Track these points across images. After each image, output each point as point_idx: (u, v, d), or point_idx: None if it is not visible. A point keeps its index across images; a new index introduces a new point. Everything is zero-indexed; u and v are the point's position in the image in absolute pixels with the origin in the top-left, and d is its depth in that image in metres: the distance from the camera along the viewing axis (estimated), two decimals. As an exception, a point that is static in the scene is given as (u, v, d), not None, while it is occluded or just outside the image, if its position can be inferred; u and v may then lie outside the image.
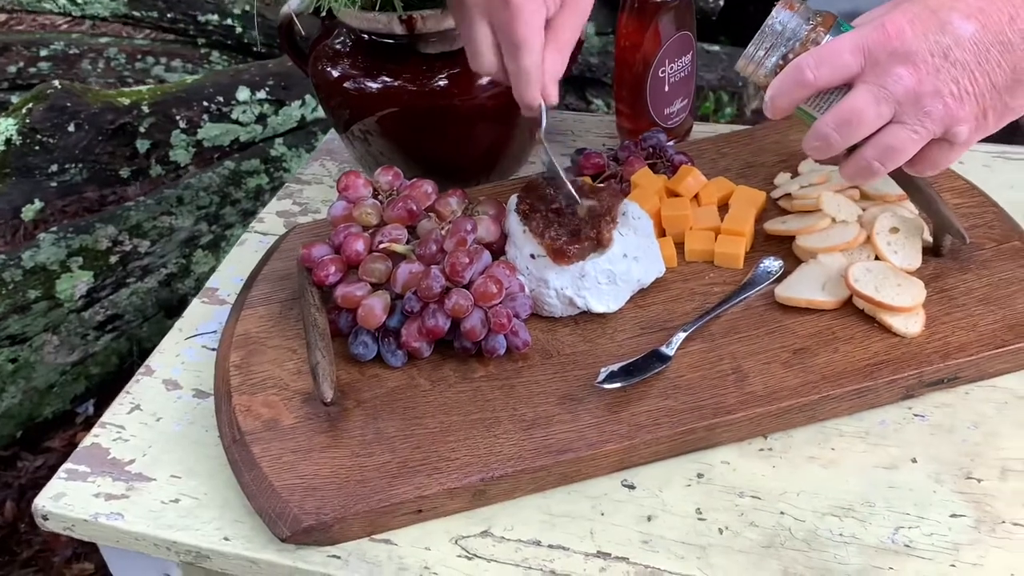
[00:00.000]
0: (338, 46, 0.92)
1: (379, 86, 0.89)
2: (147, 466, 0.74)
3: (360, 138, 0.94)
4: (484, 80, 0.88)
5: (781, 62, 0.70)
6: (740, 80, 2.47)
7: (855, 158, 0.70)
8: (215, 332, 0.84)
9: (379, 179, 0.81)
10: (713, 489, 0.68)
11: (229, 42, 2.28)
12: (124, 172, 1.70)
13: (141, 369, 0.83)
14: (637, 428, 0.70)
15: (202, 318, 0.87)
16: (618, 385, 0.71)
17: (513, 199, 0.81)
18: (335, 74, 0.91)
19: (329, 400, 0.70)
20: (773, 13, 0.70)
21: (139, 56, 2.29)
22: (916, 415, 0.72)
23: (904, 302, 0.74)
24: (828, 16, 0.70)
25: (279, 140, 1.94)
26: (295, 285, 0.82)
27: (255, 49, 2.28)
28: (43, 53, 2.27)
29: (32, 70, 2.24)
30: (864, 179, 0.71)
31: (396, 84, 0.89)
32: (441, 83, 0.88)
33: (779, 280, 0.79)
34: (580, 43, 0.95)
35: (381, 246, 0.76)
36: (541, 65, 0.73)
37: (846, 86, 0.68)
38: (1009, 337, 0.73)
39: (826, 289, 0.77)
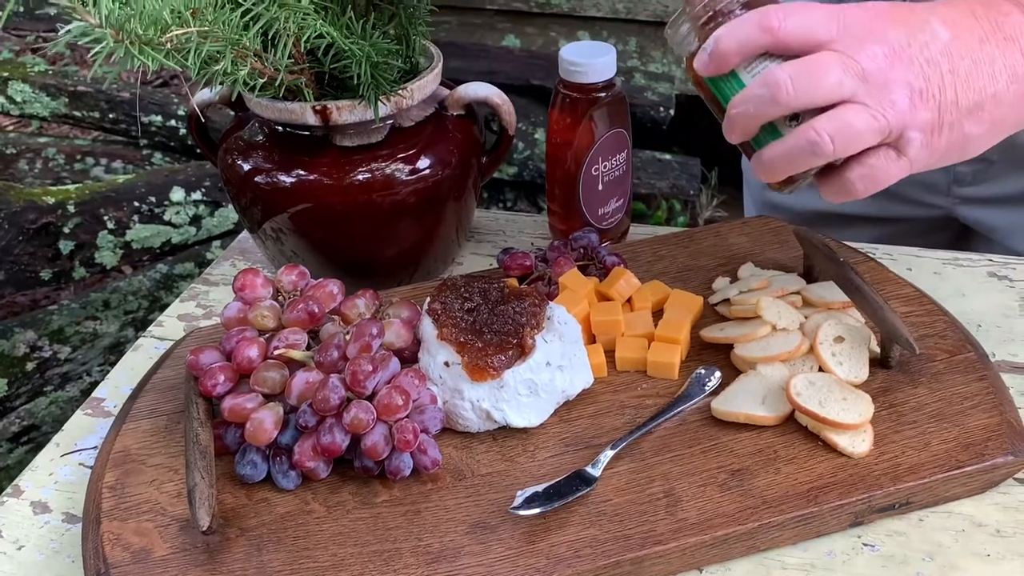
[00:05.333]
0: (250, 138, 0.87)
1: (292, 180, 0.83)
2: (-1, 603, 0.65)
3: (272, 237, 0.87)
4: (405, 175, 0.83)
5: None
6: (692, 189, 2.46)
7: (802, 130, 0.61)
8: (95, 448, 0.75)
9: (282, 278, 0.74)
10: (641, 632, 0.60)
11: (172, 144, 2.23)
12: (45, 274, 1.62)
13: (8, 490, 0.74)
14: (556, 561, 0.62)
15: (83, 432, 0.78)
16: (536, 511, 0.63)
17: (427, 301, 0.74)
18: (245, 168, 0.85)
19: (206, 528, 0.61)
20: None
21: (78, 156, 2.23)
22: (866, 544, 0.65)
23: (851, 418, 0.68)
24: None
25: (216, 243, 1.87)
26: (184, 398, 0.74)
27: (199, 151, 2.23)
28: (-21, 152, 2.20)
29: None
30: (807, 158, 0.62)
31: (311, 179, 0.83)
32: (359, 178, 0.82)
33: (716, 392, 0.73)
34: (509, 139, 0.91)
35: (277, 352, 0.69)
36: None
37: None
38: (964, 458, 0.67)
39: (766, 403, 0.71)
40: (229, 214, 1.82)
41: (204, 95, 0.87)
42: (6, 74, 2.19)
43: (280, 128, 0.84)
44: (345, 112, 0.80)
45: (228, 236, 1.87)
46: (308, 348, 0.70)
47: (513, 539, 0.63)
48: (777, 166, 0.64)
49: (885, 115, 0.61)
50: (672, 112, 2.42)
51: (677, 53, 0.67)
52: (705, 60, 0.64)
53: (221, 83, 0.69)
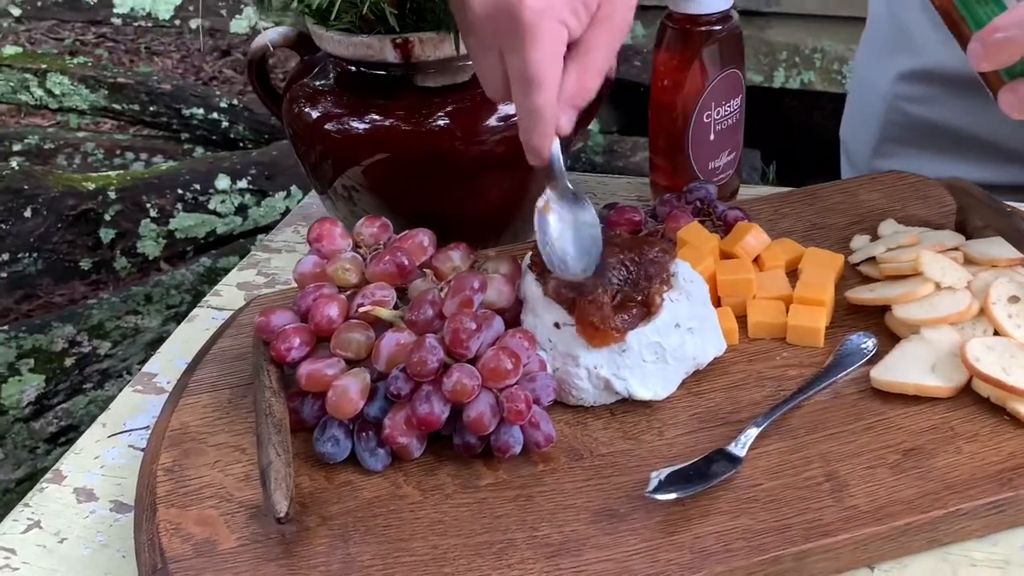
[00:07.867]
0: (319, 83, 0.77)
1: (367, 127, 0.73)
2: (38, 605, 0.55)
3: (344, 196, 0.77)
4: (494, 119, 0.73)
5: None
6: (752, 182, 2.34)
7: None
8: (147, 428, 0.66)
9: (362, 231, 0.64)
10: (812, 642, 0.49)
11: (214, 137, 2.16)
12: (85, 264, 1.53)
13: (48, 475, 0.64)
14: (704, 556, 0.51)
15: (133, 411, 0.68)
16: (674, 496, 0.53)
17: (528, 256, 0.64)
18: (314, 115, 0.75)
19: (284, 515, 0.51)
20: None
21: (118, 151, 2.16)
22: (1072, 539, 0.54)
23: (1044, 387, 0.57)
24: None
25: (262, 236, 1.78)
26: (251, 367, 0.64)
27: (241, 145, 2.15)
28: (16, 148, 2.14)
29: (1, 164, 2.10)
30: None
31: (387, 124, 0.73)
32: (441, 122, 0.72)
33: (873, 361, 0.62)
34: (609, 81, 0.80)
35: (361, 310, 0.59)
36: (555, 105, 0.58)
37: None
38: None
39: (937, 371, 0.60)
40: (276, 204, 1.74)
41: (268, 36, 0.77)
42: (44, 66, 2.13)
43: (353, 68, 0.74)
44: (429, 47, 0.70)
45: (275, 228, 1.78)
46: (396, 306, 0.60)
47: (648, 529, 0.53)
48: None
49: None
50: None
51: None
52: None
53: (298, -5, 0.59)
